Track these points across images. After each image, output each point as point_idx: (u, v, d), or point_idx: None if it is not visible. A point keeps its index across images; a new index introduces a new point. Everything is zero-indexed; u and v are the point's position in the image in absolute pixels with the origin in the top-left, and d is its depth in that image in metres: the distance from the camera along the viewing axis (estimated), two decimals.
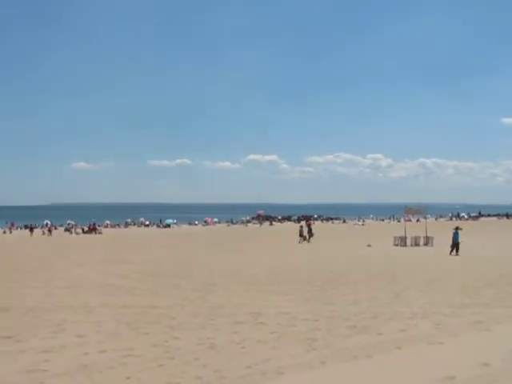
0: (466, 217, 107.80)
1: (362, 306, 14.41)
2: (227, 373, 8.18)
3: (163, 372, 8.23)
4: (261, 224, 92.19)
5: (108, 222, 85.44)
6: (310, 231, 45.84)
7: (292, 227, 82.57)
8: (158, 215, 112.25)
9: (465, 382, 7.66)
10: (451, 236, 33.02)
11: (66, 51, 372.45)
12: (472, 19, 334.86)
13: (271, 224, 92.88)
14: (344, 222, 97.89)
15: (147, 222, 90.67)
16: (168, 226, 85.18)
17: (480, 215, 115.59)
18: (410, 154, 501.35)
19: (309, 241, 44.78)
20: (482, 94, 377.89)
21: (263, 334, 10.89)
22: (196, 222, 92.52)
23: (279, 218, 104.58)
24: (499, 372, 8.12)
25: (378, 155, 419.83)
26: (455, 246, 32.32)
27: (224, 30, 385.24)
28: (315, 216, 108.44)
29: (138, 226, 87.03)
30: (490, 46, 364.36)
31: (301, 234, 45.42)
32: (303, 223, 53.04)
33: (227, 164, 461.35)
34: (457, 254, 31.54)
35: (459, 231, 33.89)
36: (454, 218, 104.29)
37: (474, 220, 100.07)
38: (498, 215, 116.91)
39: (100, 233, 66.85)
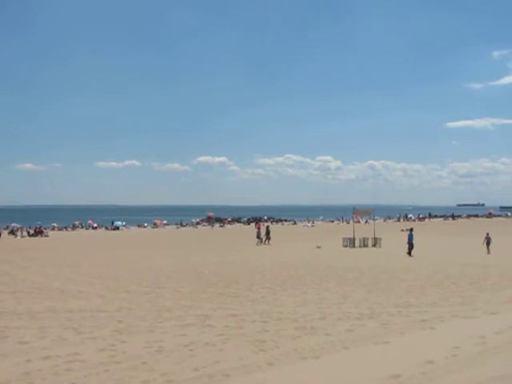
0: (413, 218, 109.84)
1: (310, 307, 14.52)
2: (175, 376, 8.13)
3: (109, 377, 8.10)
4: (212, 226, 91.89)
5: (55, 225, 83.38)
6: (267, 233, 45.95)
7: (242, 229, 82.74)
8: (106, 217, 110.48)
9: (410, 380, 7.79)
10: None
11: None
12: (417, 28, 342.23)
13: (222, 226, 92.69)
14: (294, 223, 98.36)
15: (95, 225, 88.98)
16: (117, 228, 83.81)
17: (430, 216, 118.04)
18: (359, 157, 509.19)
19: (268, 243, 44.93)
20: (428, 99, 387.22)
21: (211, 336, 10.85)
22: (145, 224, 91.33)
23: (229, 219, 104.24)
24: (442, 369, 8.30)
25: (328, 157, 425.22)
26: (411, 246, 32.92)
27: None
28: (265, 218, 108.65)
29: (86, 229, 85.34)
30: (435, 54, 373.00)
31: (258, 236, 45.50)
32: (262, 225, 53.12)
33: (176, 166, 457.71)
34: (410, 255, 32.10)
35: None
36: (401, 220, 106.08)
37: (420, 221, 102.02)
38: (444, 216, 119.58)
39: (47, 236, 65.33)
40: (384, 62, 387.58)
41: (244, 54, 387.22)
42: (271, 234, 46.07)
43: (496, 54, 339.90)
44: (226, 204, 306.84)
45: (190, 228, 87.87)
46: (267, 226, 48.98)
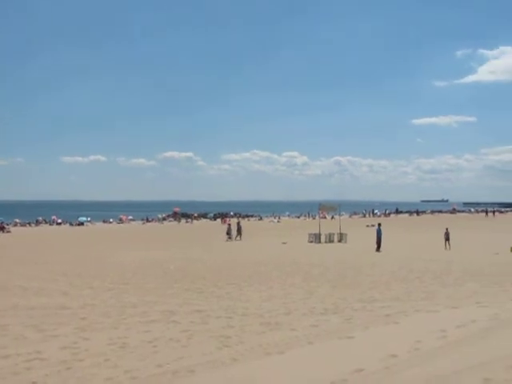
0: (378, 214, 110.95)
1: (276, 302, 14.56)
2: (138, 372, 8.05)
3: (71, 375, 7.98)
4: (179, 221, 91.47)
5: (17, 221, 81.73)
6: (239, 229, 46.13)
7: (209, 224, 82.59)
8: (70, 213, 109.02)
9: (373, 374, 7.85)
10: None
11: None
12: (383, 25, 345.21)
13: (187, 221, 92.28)
14: (260, 219, 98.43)
15: (60, 220, 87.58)
16: (81, 224, 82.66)
17: (397, 212, 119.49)
18: (326, 153, 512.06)
19: (240, 239, 45.06)
20: (394, 96, 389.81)
21: (176, 332, 10.79)
22: (110, 220, 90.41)
23: (195, 215, 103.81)
24: (405, 363, 8.38)
25: (294, 153, 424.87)
26: (379, 241, 33.26)
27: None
28: (232, 213, 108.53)
29: (50, 225, 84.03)
30: (401, 51, 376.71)
31: (228, 232, 45.55)
32: (229, 221, 53.21)
33: (142, 161, 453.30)
34: (378, 251, 32.44)
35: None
36: (367, 215, 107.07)
37: (386, 217, 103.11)
38: (409, 212, 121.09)
39: (9, 231, 64.20)
40: (350, 58, 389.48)
41: (209, 50, 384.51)
42: (242, 230, 46.37)
43: (460, 52, 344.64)
44: (193, 199, 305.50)
45: (156, 224, 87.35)
46: (238, 222, 49.07)
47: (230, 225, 47.40)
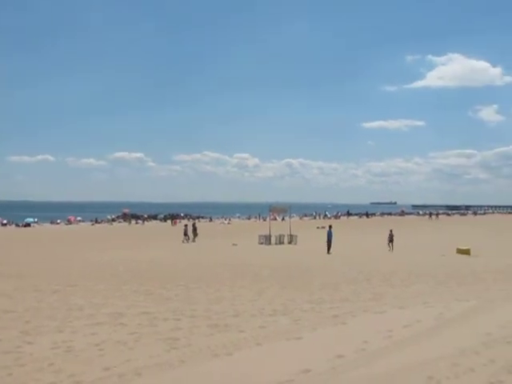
0: (329, 216, 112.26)
1: (224, 304, 14.51)
2: (84, 376, 7.89)
3: (13, 381, 7.75)
4: (129, 223, 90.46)
5: None
6: (194, 230, 46.05)
7: (160, 226, 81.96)
8: (17, 213, 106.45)
9: (319, 375, 7.91)
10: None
11: None
12: (335, 28, 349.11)
13: (137, 223, 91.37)
14: (210, 220, 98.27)
15: (5, 221, 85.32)
16: (28, 225, 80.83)
17: (349, 214, 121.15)
18: (277, 155, 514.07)
19: (194, 240, 44.91)
20: (345, 99, 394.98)
21: (123, 334, 10.62)
22: (58, 221, 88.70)
23: (145, 216, 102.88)
24: (352, 363, 8.48)
25: (245, 155, 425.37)
26: (329, 243, 33.58)
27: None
28: (182, 215, 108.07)
29: None
30: (351, 54, 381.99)
31: (185, 233, 45.34)
32: (188, 223, 52.98)
33: (92, 161, 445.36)
34: (328, 252, 32.75)
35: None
36: (317, 217, 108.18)
37: (336, 219, 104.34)
38: (359, 214, 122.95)
39: None
40: (302, 60, 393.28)
41: (159, 50, 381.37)
42: (198, 231, 46.39)
43: (409, 58, 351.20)
44: (143, 200, 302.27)
45: (106, 225, 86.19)
46: (194, 224, 48.91)
47: (186, 226, 47.19)
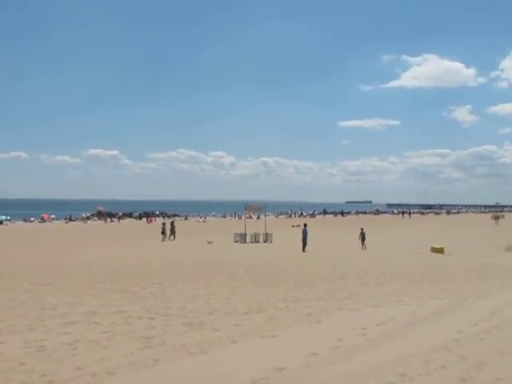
0: (304, 214, 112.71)
1: (199, 302, 14.47)
2: (56, 376, 7.79)
3: None
4: (105, 221, 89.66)
5: None
6: (172, 229, 45.81)
7: (135, 224, 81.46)
8: None
9: (293, 372, 7.93)
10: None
11: None
12: (311, 27, 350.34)
13: (112, 221, 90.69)
14: (185, 218, 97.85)
15: None
16: (0, 222, 79.83)
17: (325, 213, 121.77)
18: (252, 153, 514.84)
19: (174, 238, 44.73)
20: (321, 97, 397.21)
21: (96, 333, 10.52)
22: (32, 219, 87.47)
23: (120, 214, 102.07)
24: (325, 361, 8.52)
25: (221, 153, 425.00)
26: (305, 242, 33.67)
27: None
28: (157, 213, 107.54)
29: None
30: (328, 54, 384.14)
31: (163, 232, 45.10)
32: (167, 221, 52.72)
33: (66, 158, 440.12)
34: (303, 251, 32.84)
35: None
36: (293, 216, 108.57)
37: (312, 217, 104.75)
38: (334, 213, 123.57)
39: None
40: (277, 59, 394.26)
41: (135, 48, 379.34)
42: (176, 229, 46.25)
43: (385, 58, 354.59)
44: (117, 198, 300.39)
45: (80, 223, 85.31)
46: (172, 222, 48.68)
47: (164, 224, 46.97)
